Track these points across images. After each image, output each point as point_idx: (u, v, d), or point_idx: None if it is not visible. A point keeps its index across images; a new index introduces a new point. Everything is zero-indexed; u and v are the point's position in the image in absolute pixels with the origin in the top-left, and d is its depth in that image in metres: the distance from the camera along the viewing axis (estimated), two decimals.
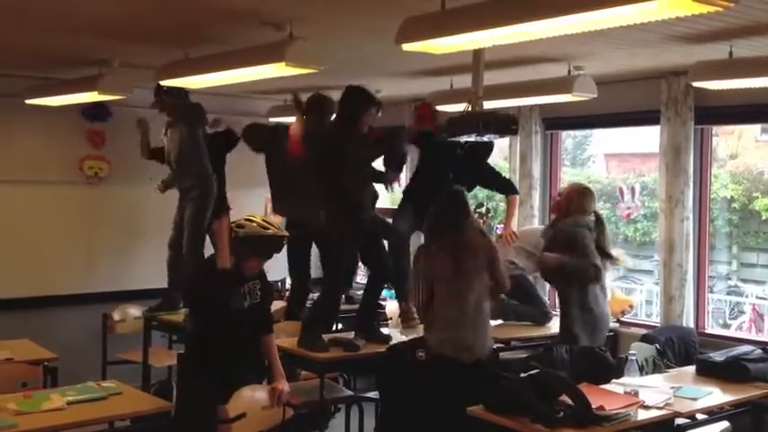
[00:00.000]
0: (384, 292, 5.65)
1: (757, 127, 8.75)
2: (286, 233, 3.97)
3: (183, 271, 5.78)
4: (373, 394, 5.08)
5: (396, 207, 5.72)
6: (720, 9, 2.60)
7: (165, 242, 5.88)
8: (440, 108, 5.63)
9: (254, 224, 3.88)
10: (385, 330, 5.10)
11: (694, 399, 3.88)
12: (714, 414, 4.00)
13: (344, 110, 4.82)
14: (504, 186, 5.83)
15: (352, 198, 4.78)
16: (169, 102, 5.73)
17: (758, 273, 8.93)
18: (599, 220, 4.86)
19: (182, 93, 5.68)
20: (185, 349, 4.40)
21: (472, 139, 4.54)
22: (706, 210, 5.64)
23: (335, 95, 5.17)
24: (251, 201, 6.51)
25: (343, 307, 5.94)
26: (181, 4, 3.71)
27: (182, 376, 4.46)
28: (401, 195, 5.74)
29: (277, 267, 5.39)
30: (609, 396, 3.61)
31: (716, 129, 5.98)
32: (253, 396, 3.78)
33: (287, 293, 6.40)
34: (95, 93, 5.12)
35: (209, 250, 5.53)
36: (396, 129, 5.79)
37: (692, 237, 5.47)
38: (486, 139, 4.67)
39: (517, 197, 5.89)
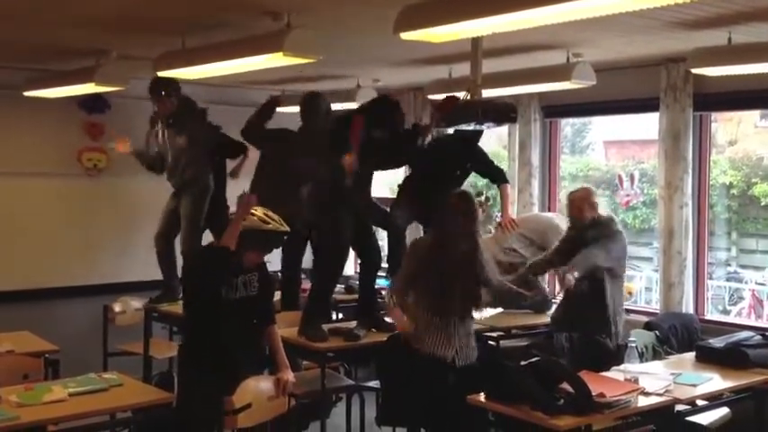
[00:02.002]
0: (383, 282, 5.64)
1: (756, 113, 8.72)
2: (287, 228, 3.93)
3: (174, 261, 5.80)
4: (374, 383, 5.09)
5: (394, 197, 5.71)
6: None
7: None
8: (439, 96, 5.60)
9: (256, 218, 3.84)
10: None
11: (694, 385, 3.90)
12: (714, 400, 4.01)
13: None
14: (493, 175, 5.64)
15: (343, 187, 4.77)
16: (169, 102, 5.74)
17: (757, 259, 8.93)
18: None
19: (177, 88, 5.70)
20: (182, 340, 4.40)
21: (471, 127, 4.53)
22: (705, 196, 5.64)
23: (333, 85, 5.17)
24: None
25: (342, 297, 5.95)
26: None
27: (180, 367, 4.46)
28: (398, 186, 5.72)
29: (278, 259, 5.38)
30: (609, 383, 3.62)
31: (715, 115, 5.97)
32: (258, 386, 3.79)
33: None
34: (92, 84, 5.11)
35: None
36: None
37: (692, 223, 5.47)
38: (485, 127, 4.66)
39: (508, 186, 5.66)
